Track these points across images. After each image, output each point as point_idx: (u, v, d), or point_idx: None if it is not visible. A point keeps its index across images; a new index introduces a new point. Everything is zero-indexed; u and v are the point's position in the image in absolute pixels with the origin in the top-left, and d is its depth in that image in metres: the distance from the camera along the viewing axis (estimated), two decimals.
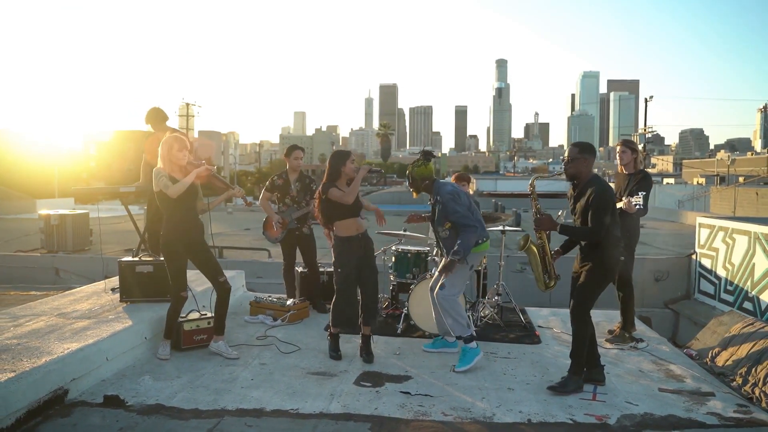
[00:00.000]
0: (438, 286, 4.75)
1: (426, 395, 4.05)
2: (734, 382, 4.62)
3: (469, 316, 5.62)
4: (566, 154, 4.26)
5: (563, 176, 4.30)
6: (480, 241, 4.62)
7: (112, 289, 5.85)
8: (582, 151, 4.22)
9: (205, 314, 5.11)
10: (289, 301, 6.05)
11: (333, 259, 4.81)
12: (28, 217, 23.08)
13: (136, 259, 5.52)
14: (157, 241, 5.00)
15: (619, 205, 5.47)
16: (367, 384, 4.25)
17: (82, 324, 4.73)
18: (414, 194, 4.89)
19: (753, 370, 4.56)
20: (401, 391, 4.11)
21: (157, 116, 6.00)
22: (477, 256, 4.74)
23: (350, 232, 4.74)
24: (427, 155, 4.80)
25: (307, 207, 6.08)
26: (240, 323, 5.89)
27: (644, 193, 5.04)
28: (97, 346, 4.27)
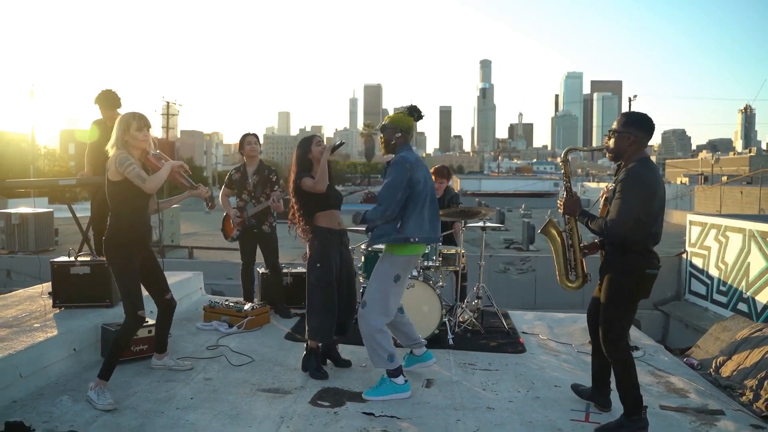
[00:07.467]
0: (360, 302, 3.92)
1: (392, 417, 3.47)
2: (743, 397, 4.09)
3: (446, 323, 5.07)
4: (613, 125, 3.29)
5: (605, 152, 3.34)
6: (413, 240, 3.66)
7: (49, 293, 5.21)
8: (628, 123, 3.15)
9: (147, 321, 4.48)
10: (247, 306, 5.41)
11: (309, 254, 4.14)
12: None
13: (71, 259, 4.90)
14: (102, 242, 4.26)
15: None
16: (325, 403, 3.66)
17: None
18: (383, 150, 3.88)
19: (766, 382, 4.03)
20: (364, 412, 3.52)
21: (106, 100, 5.37)
22: (405, 261, 3.77)
23: (332, 224, 4.16)
24: (412, 110, 3.93)
25: (265, 202, 5.45)
26: (191, 331, 5.26)
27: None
28: (8, 360, 3.63)
